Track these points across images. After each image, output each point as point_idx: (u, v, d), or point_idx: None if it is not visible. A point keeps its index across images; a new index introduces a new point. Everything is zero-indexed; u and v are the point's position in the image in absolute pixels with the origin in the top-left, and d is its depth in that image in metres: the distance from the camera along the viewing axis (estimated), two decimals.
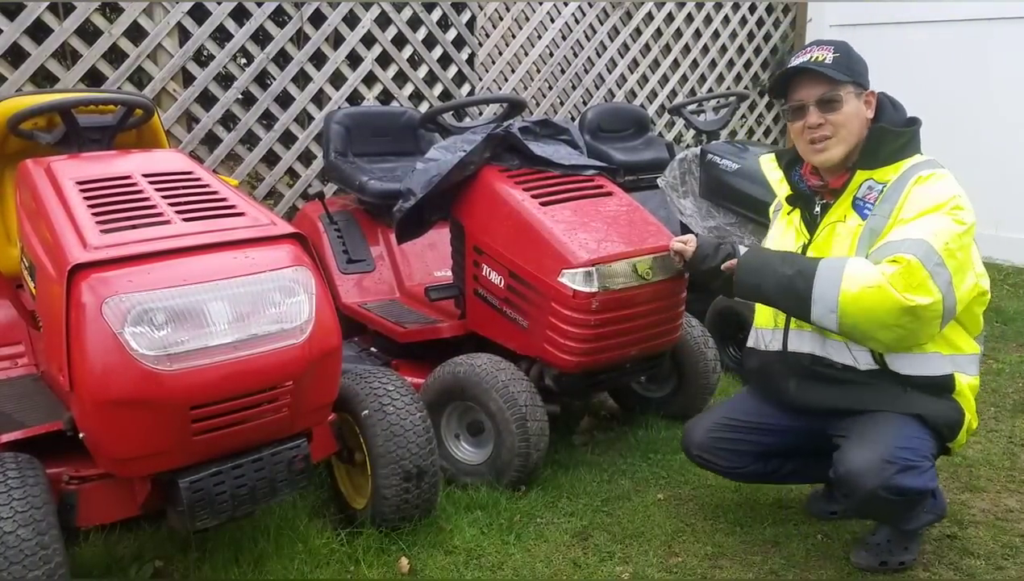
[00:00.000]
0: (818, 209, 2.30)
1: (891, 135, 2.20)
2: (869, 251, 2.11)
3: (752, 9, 6.55)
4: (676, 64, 6.24)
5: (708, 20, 6.30)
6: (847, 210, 2.22)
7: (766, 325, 2.39)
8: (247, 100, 4.52)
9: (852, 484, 2.09)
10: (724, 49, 6.45)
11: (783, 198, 2.41)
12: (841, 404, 2.21)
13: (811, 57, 2.22)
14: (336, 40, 4.76)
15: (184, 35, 4.25)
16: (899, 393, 2.16)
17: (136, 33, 4.12)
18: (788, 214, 2.40)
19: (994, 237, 4.87)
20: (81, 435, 1.89)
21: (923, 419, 2.15)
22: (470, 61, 5.29)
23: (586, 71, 5.91)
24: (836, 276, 2.03)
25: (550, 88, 5.80)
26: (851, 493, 2.11)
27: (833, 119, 2.19)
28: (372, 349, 3.40)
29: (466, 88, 5.28)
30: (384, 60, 4.90)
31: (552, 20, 5.65)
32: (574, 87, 5.91)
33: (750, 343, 2.48)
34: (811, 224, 2.31)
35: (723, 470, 2.46)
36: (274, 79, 4.55)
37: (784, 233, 2.39)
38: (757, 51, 6.67)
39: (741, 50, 6.57)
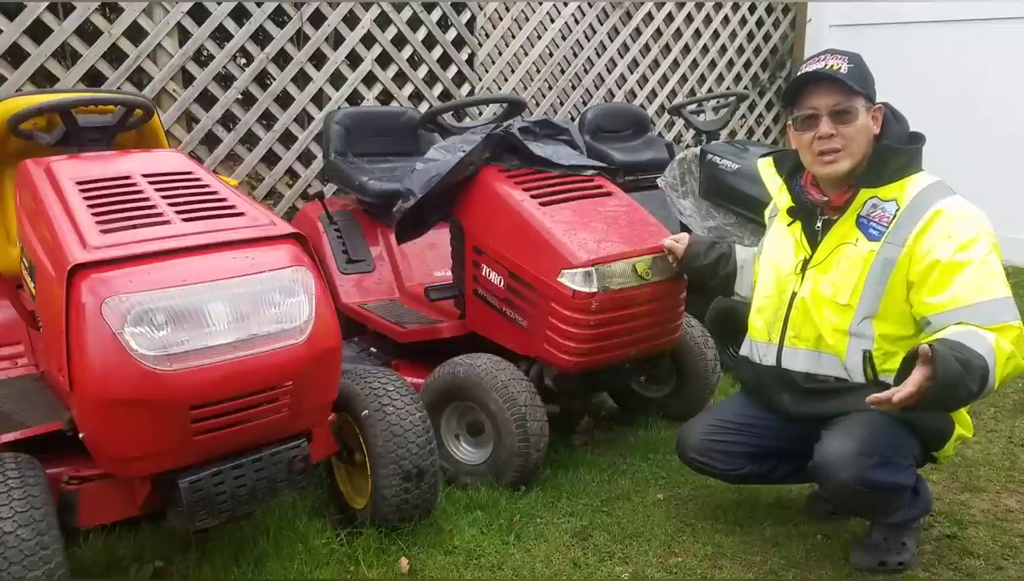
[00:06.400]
0: (819, 224, 2.28)
1: (895, 153, 2.18)
2: (918, 294, 2.07)
3: (752, 9, 6.55)
4: (676, 64, 6.24)
5: (708, 20, 6.30)
6: (852, 229, 2.20)
7: (760, 338, 2.39)
8: (247, 100, 4.53)
9: (826, 473, 2.12)
10: (724, 49, 6.46)
11: (784, 208, 2.38)
12: (836, 411, 2.21)
13: (826, 65, 2.15)
14: (336, 40, 4.76)
15: (184, 35, 4.26)
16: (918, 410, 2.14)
17: (136, 33, 4.12)
18: (789, 225, 2.37)
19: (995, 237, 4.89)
20: (81, 435, 1.89)
21: (909, 423, 2.16)
22: (470, 61, 5.29)
23: (586, 71, 5.91)
24: (994, 375, 1.94)
25: (550, 88, 5.80)
26: (825, 482, 2.17)
27: (845, 131, 2.15)
28: (372, 349, 3.40)
29: (466, 88, 5.28)
30: (384, 60, 4.91)
31: (552, 20, 5.65)
32: (574, 87, 5.91)
33: (743, 352, 2.48)
34: (812, 239, 2.29)
35: (718, 472, 2.46)
36: (274, 79, 4.55)
37: (783, 242, 2.38)
38: (757, 51, 6.67)
39: (741, 50, 6.57)
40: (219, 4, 4.29)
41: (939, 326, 2.02)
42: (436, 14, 5.05)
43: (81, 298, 1.78)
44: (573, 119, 5.46)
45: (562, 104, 5.87)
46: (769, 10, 6.67)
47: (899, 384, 1.87)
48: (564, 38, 5.73)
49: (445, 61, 5.17)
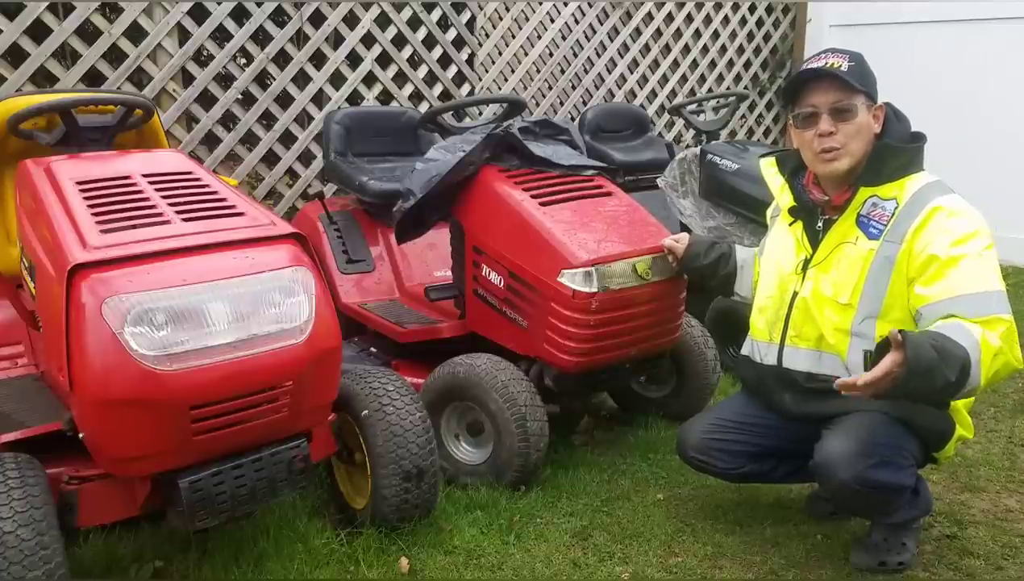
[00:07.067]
0: (820, 224, 2.28)
1: (894, 152, 2.18)
2: (913, 287, 2.06)
3: (752, 9, 6.55)
4: (676, 64, 6.24)
5: (708, 20, 6.30)
6: (852, 228, 2.20)
7: (761, 338, 2.39)
8: (247, 100, 4.53)
9: (826, 472, 2.13)
10: (724, 49, 6.46)
11: (785, 208, 2.38)
12: (836, 411, 2.21)
13: (827, 63, 2.16)
14: (336, 40, 4.76)
15: (184, 35, 4.26)
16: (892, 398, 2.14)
17: (136, 33, 4.12)
18: (791, 225, 2.37)
19: (994, 237, 4.89)
20: (81, 435, 1.89)
21: (910, 423, 2.16)
22: (470, 61, 5.29)
23: (586, 71, 5.91)
24: (978, 370, 1.91)
25: (550, 88, 5.80)
26: (825, 481, 2.17)
27: (845, 129, 2.15)
28: (372, 349, 3.40)
29: (466, 88, 5.28)
30: (384, 60, 4.91)
31: (552, 20, 5.65)
32: (574, 87, 5.91)
33: (745, 351, 2.48)
34: (813, 238, 2.29)
35: (719, 471, 2.46)
36: (274, 79, 4.55)
37: (784, 242, 2.38)
38: (757, 51, 6.68)
39: (741, 50, 6.57)
40: (219, 4, 4.29)
41: (929, 317, 2.02)
42: (436, 14, 5.05)
43: (81, 298, 1.78)
44: (573, 119, 5.46)
45: (562, 104, 5.87)
46: (769, 10, 6.67)
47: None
48: (564, 38, 5.73)
49: (445, 61, 5.17)
